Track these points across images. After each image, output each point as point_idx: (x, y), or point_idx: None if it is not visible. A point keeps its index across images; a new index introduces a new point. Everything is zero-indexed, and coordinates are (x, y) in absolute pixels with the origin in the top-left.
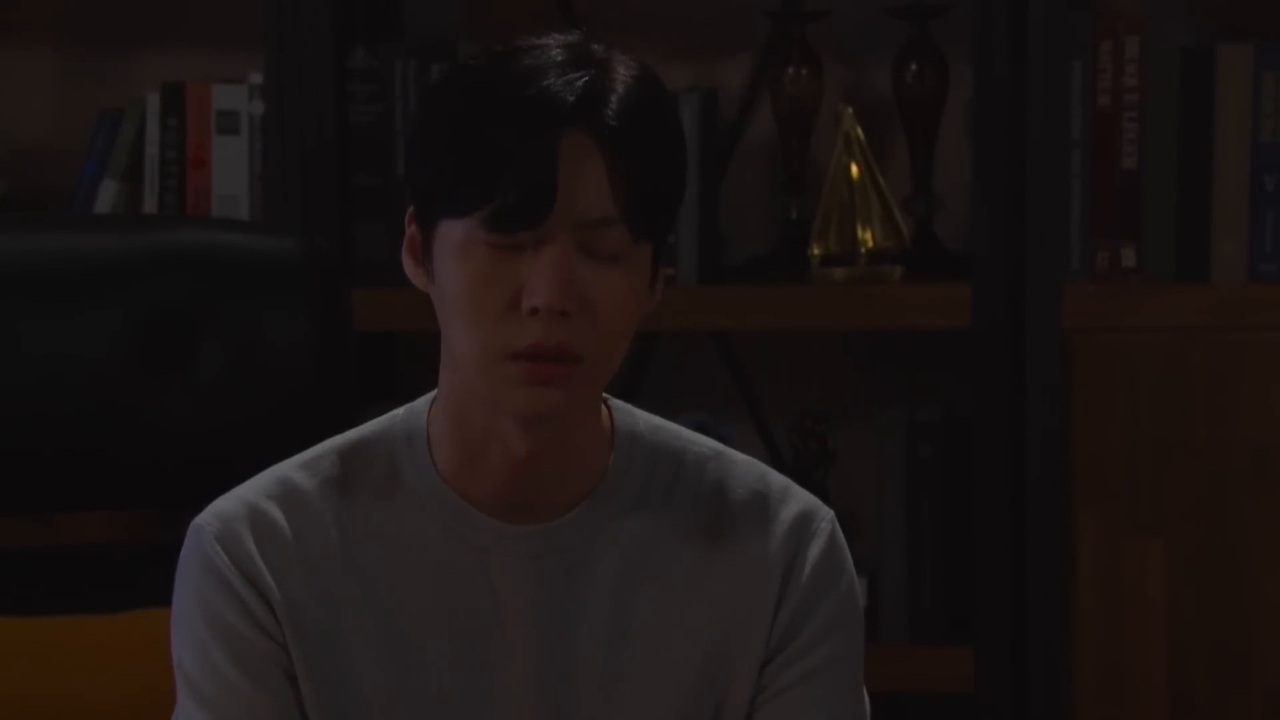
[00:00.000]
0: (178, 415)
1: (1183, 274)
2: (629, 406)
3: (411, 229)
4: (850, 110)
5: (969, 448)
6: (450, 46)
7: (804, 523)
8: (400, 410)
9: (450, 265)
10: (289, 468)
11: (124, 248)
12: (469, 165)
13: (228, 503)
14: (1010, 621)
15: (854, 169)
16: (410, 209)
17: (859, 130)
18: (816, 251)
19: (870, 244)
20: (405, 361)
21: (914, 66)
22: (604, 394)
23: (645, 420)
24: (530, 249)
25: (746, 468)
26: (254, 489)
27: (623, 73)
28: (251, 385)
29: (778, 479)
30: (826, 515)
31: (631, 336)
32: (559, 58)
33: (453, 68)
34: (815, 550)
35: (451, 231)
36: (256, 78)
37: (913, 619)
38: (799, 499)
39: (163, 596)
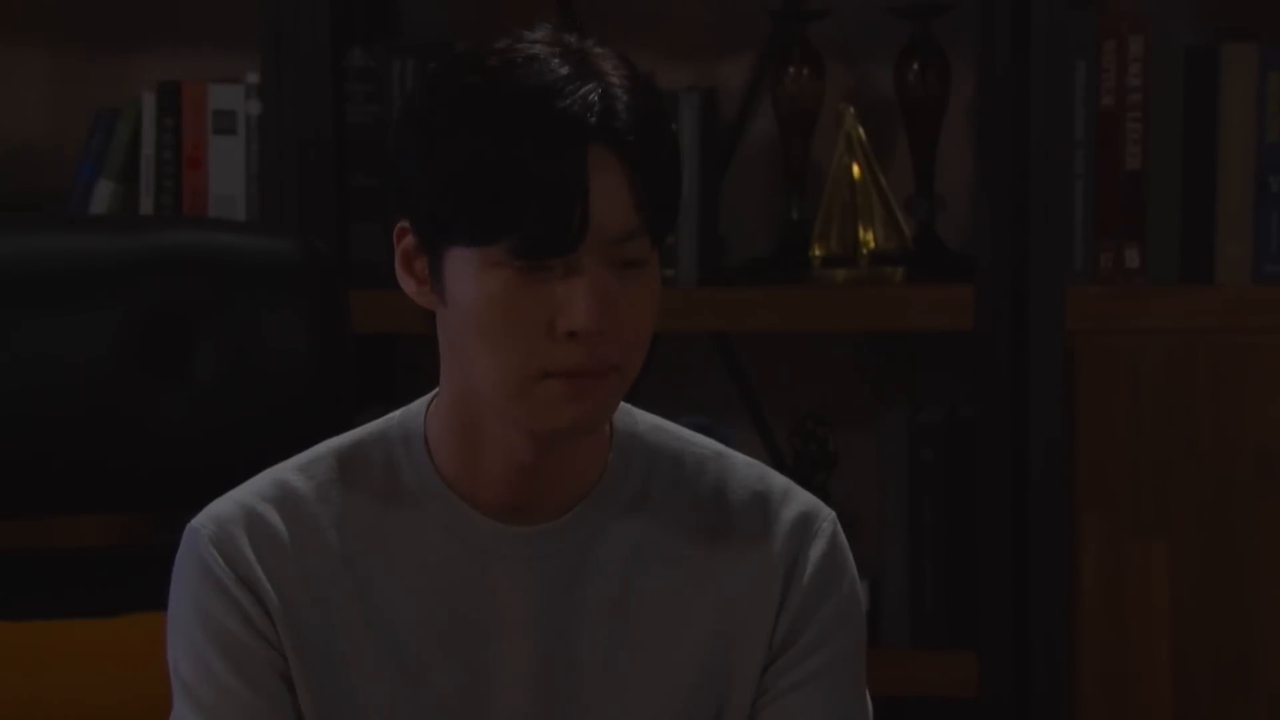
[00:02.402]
0: (174, 417)
1: (1187, 275)
2: (629, 407)
3: (405, 244)
4: (852, 110)
5: (971, 450)
6: (448, 46)
7: (805, 523)
8: (396, 413)
9: (468, 288)
10: (285, 470)
11: (120, 248)
12: (492, 195)
13: (223, 506)
14: (1013, 625)
15: (855, 169)
16: (401, 224)
17: (860, 130)
18: (817, 252)
19: (872, 245)
20: (403, 363)
21: (916, 66)
22: None
23: (645, 420)
24: (560, 270)
25: (747, 469)
26: (250, 492)
27: (620, 76)
28: (248, 387)
29: (779, 480)
30: (828, 516)
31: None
32: (562, 70)
33: (444, 84)
34: (817, 551)
35: (465, 256)
36: (253, 77)
37: (915, 622)
38: (800, 500)
39: (159, 600)
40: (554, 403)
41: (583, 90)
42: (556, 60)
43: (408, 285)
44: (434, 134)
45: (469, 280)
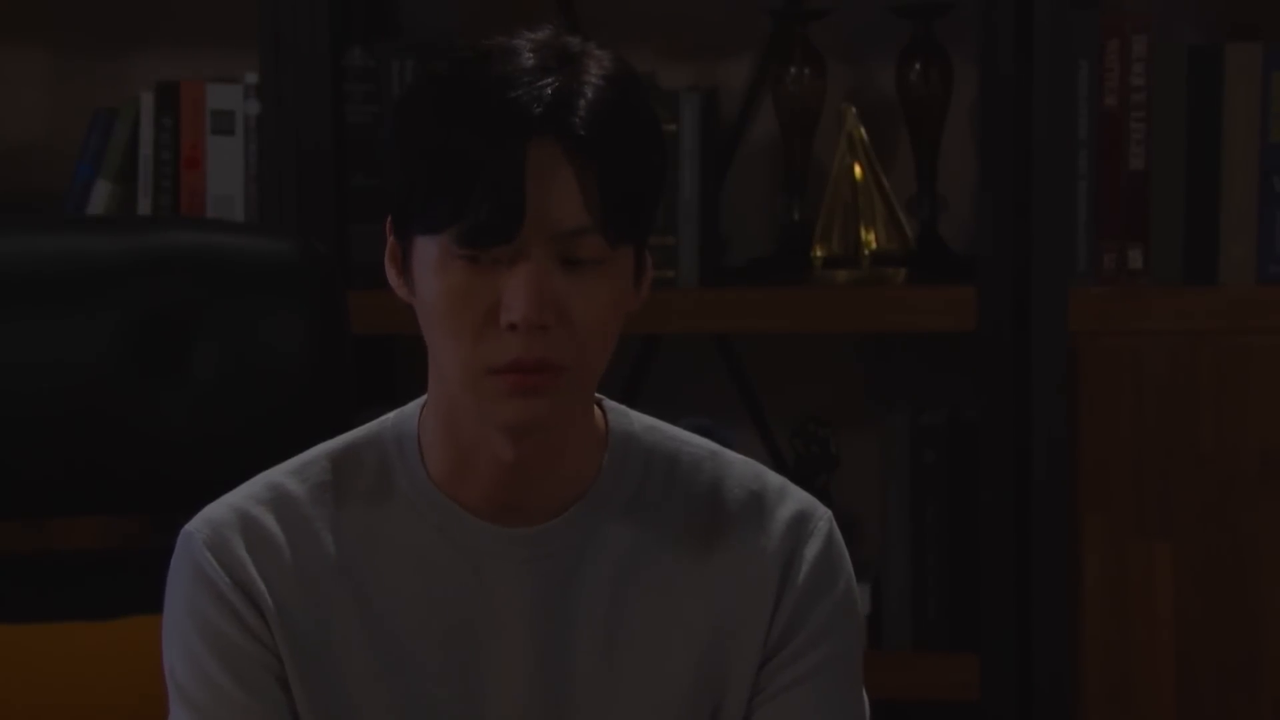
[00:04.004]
0: (172, 419)
1: (1190, 276)
2: (624, 408)
3: (392, 238)
4: (853, 110)
5: (974, 452)
6: (448, 46)
7: (801, 522)
8: (390, 415)
9: (428, 280)
10: (280, 473)
11: (118, 249)
12: (438, 183)
13: (218, 509)
14: (1016, 628)
15: (857, 170)
16: (389, 218)
17: (862, 130)
18: (819, 253)
19: (873, 246)
20: (402, 365)
21: (918, 66)
22: (598, 395)
23: (640, 421)
24: (506, 263)
25: (743, 468)
26: (244, 495)
27: (594, 73)
28: (247, 389)
29: (774, 479)
30: (824, 515)
31: (616, 337)
32: (529, 63)
33: (422, 74)
34: (813, 550)
35: (427, 247)
36: (252, 77)
37: (917, 625)
38: (796, 498)
39: (156, 603)
40: (499, 398)
41: (539, 83)
42: (529, 54)
43: (391, 276)
44: (403, 122)
45: (429, 271)
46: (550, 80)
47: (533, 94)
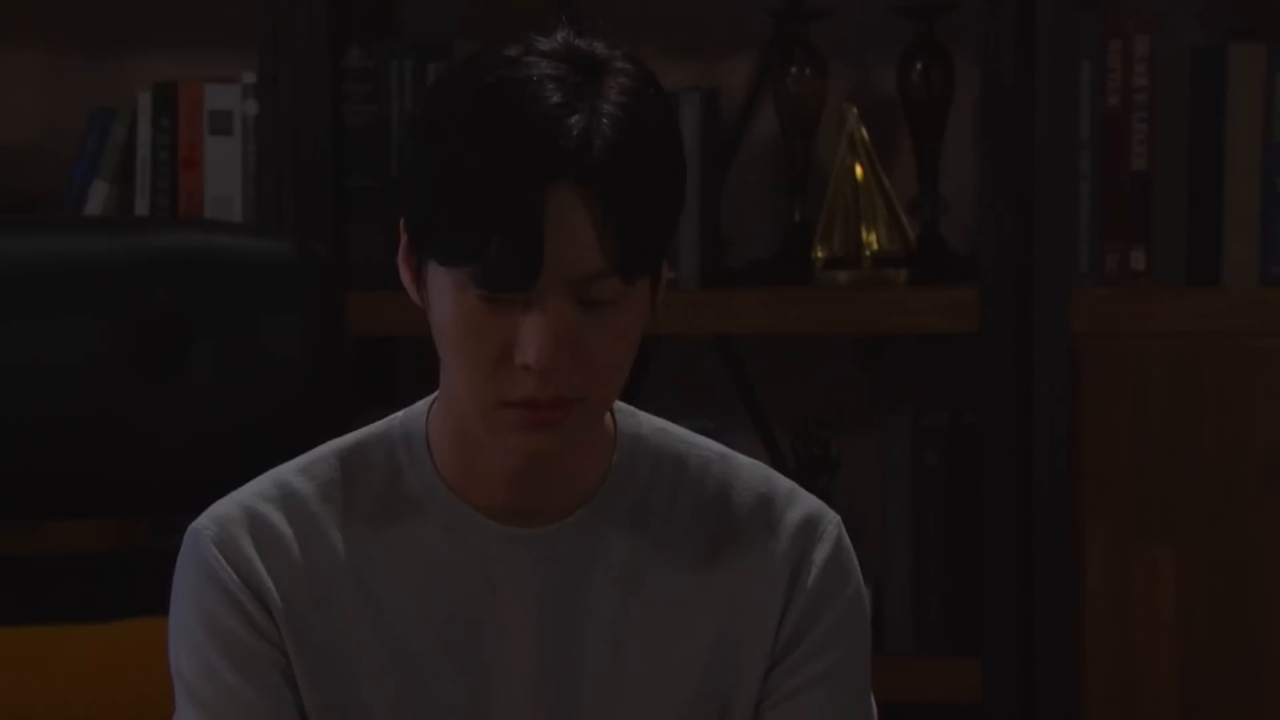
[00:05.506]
0: (169, 421)
1: (1193, 278)
2: (632, 409)
3: (406, 239)
4: (855, 111)
5: (976, 454)
6: (447, 46)
7: (810, 526)
8: (399, 414)
9: (442, 304)
10: (288, 471)
11: (115, 250)
12: (456, 223)
13: (225, 507)
14: (1018, 631)
15: (858, 170)
16: (403, 219)
17: (863, 131)
18: (820, 254)
19: (875, 247)
20: (401, 366)
21: (919, 66)
22: None
23: (649, 422)
24: (521, 303)
25: (752, 471)
26: (252, 492)
27: (615, 100)
28: (245, 390)
29: (783, 482)
30: (833, 519)
31: (634, 355)
32: (553, 99)
33: (443, 88)
34: (822, 554)
35: (441, 272)
36: (250, 77)
37: (918, 628)
38: (805, 502)
39: (153, 605)
40: (512, 430)
41: (562, 127)
42: (552, 85)
43: (404, 277)
44: (423, 144)
45: (444, 297)
46: (576, 121)
47: (555, 142)
